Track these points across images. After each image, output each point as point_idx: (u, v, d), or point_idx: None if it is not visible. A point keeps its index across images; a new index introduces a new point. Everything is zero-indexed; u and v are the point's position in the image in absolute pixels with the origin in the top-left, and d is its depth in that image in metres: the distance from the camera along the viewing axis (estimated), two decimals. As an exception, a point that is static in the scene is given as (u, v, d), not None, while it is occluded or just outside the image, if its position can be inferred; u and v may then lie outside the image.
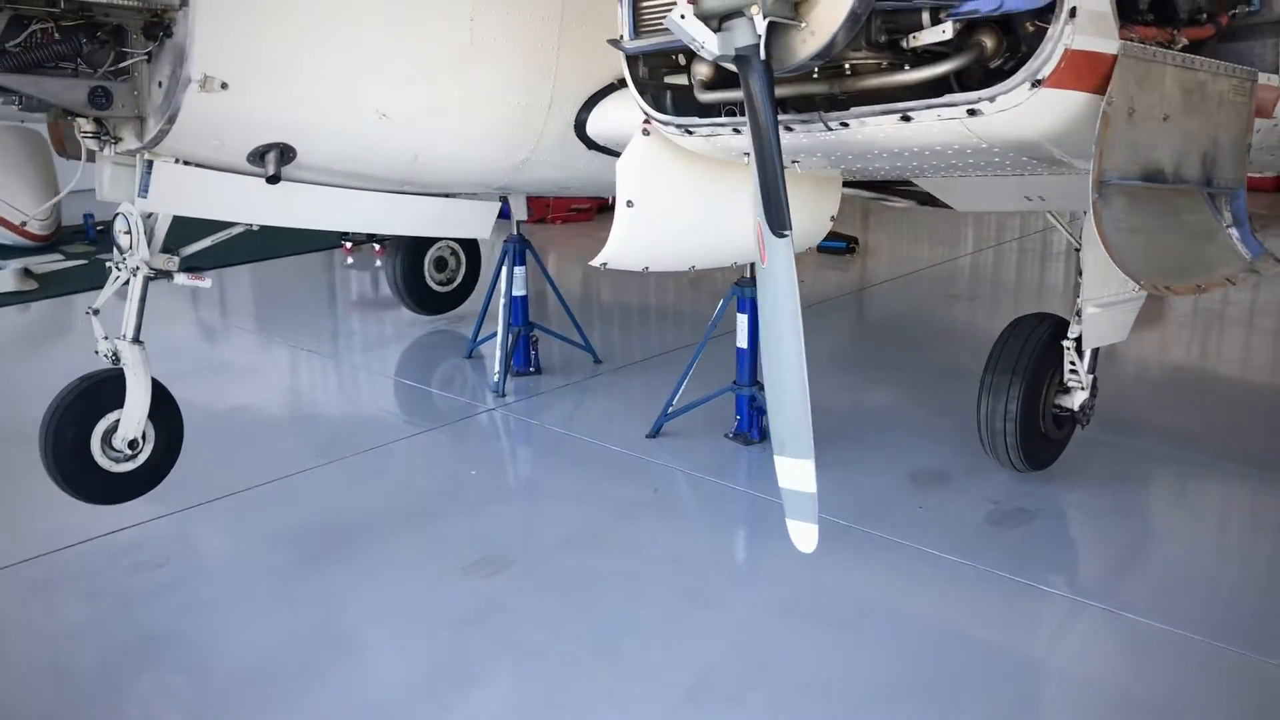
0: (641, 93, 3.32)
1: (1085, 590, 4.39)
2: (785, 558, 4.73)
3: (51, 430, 4.50)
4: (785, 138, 2.93)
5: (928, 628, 4.14)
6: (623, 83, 4.89)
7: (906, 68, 2.77)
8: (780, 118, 2.86)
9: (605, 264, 3.90)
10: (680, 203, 3.79)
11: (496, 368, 6.95)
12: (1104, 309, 5.05)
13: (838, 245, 11.35)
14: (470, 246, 8.66)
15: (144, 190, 4.26)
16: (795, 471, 2.90)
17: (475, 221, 5.29)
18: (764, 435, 6.04)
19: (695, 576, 4.60)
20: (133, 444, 4.69)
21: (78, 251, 11.53)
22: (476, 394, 7.05)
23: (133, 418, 4.62)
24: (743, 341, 5.91)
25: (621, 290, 10.49)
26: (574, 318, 7.64)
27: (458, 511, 5.36)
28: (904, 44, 2.68)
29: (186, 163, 4.23)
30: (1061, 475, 5.47)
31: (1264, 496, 5.43)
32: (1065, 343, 5.12)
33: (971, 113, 2.61)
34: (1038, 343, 5.13)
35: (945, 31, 2.57)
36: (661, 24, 3.13)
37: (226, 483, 5.44)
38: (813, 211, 4.12)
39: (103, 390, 4.59)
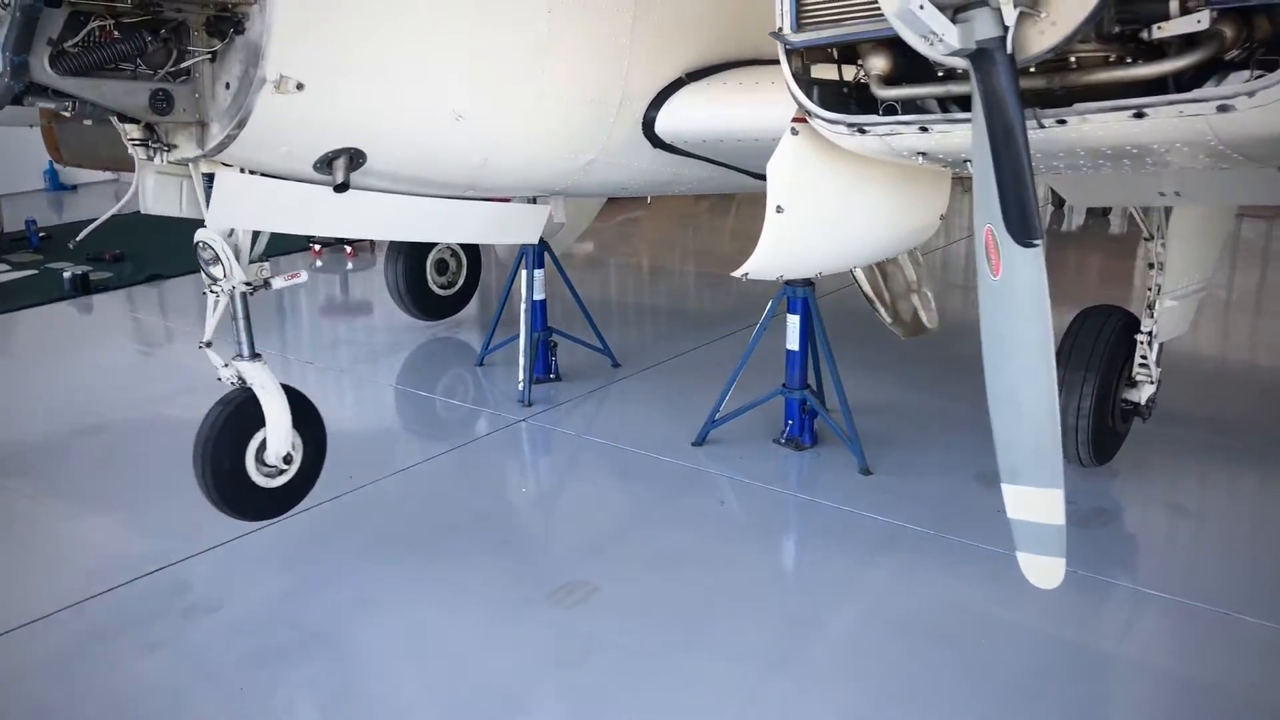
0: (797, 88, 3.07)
1: (1192, 592, 4.29)
2: (865, 567, 4.61)
3: (208, 462, 4.30)
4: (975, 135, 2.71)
5: (1045, 640, 4.02)
6: (690, 77, 4.70)
7: (1129, 60, 2.58)
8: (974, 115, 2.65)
9: (747, 275, 3.65)
10: (826, 206, 3.56)
11: (520, 376, 6.63)
12: (1178, 301, 5.00)
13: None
14: (470, 249, 8.30)
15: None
16: (1032, 501, 2.70)
17: (529, 226, 4.99)
18: (816, 440, 5.86)
19: (788, 594, 4.45)
20: (286, 458, 4.51)
21: (23, 261, 10.81)
22: (499, 405, 6.71)
23: (279, 433, 4.41)
24: (793, 344, 5.70)
25: (622, 290, 10.22)
26: (592, 321, 7.35)
27: (521, 534, 5.09)
28: (1145, 35, 2.49)
29: (251, 172, 3.86)
30: (1125, 470, 5.39)
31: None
32: (1139, 336, 5.05)
33: (1223, 109, 2.43)
34: (1109, 336, 5.03)
35: (1201, 21, 2.38)
36: (828, 14, 2.90)
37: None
38: (925, 209, 3.94)
39: (244, 410, 4.37)
